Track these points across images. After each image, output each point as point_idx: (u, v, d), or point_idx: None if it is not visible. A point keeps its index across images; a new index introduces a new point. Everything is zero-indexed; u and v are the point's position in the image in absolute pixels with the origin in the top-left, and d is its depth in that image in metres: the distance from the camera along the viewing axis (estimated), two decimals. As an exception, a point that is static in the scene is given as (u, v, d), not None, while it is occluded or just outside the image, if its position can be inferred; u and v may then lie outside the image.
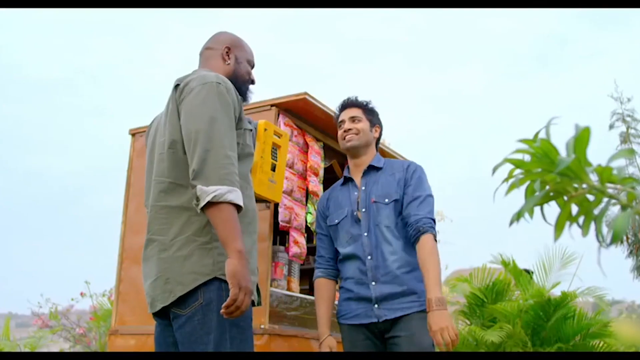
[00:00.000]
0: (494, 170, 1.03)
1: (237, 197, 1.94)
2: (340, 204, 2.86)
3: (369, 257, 2.69)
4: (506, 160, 1.02)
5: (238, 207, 1.96)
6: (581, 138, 0.86)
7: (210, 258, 2.01)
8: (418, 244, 2.60)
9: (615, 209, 0.92)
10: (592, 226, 0.94)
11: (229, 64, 2.39)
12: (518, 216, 0.92)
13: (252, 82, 2.47)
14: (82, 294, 6.43)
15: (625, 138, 8.15)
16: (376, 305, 2.65)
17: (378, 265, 2.67)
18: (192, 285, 1.99)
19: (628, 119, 8.13)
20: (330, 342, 2.73)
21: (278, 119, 3.34)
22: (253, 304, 2.10)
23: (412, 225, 2.63)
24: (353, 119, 2.86)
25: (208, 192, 1.91)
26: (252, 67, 2.50)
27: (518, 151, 0.94)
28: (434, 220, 2.67)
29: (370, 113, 2.92)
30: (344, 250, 2.79)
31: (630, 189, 0.90)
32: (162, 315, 2.12)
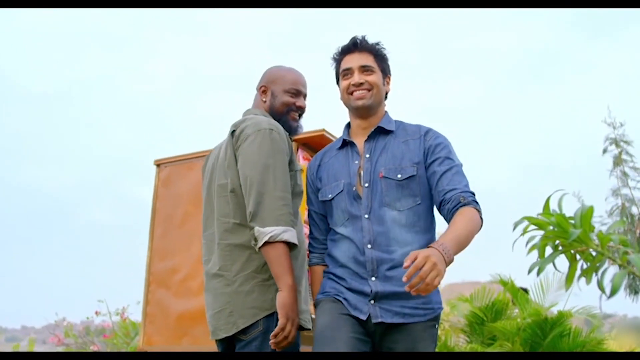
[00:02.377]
0: (515, 226, 1.32)
1: (291, 236, 2.18)
2: (335, 174, 2.34)
3: (369, 246, 2.16)
4: (524, 218, 1.30)
5: (292, 245, 2.20)
6: (586, 214, 1.13)
7: (269, 294, 2.23)
8: (456, 213, 2.08)
9: (613, 267, 1.19)
10: (594, 278, 1.21)
11: (265, 101, 2.56)
12: (539, 271, 1.20)
13: (296, 110, 2.52)
14: (97, 313, 6.64)
15: (617, 161, 8.47)
16: (372, 301, 2.14)
17: (381, 258, 2.15)
18: (253, 319, 2.21)
19: (621, 143, 8.44)
20: None
21: (297, 152, 3.60)
22: (302, 328, 2.29)
23: (451, 199, 2.11)
24: (365, 69, 2.34)
25: (265, 232, 2.15)
26: (295, 94, 2.51)
27: (537, 221, 1.22)
28: (474, 195, 2.15)
29: (382, 60, 2.40)
30: (336, 232, 2.30)
31: (623, 252, 1.17)
32: (224, 340, 2.33)
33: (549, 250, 1.27)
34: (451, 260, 1.88)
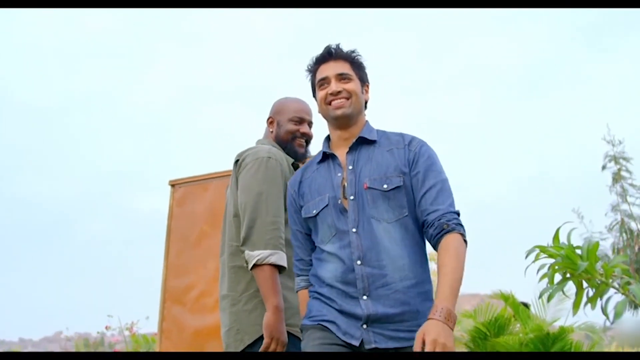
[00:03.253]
0: (527, 254, 1.47)
1: (278, 258, 2.36)
2: (318, 188, 2.22)
3: (358, 262, 2.03)
4: (536, 247, 1.45)
5: (281, 267, 2.37)
6: (592, 249, 1.28)
7: None
8: (441, 244, 2.01)
9: (616, 295, 1.33)
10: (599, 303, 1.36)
11: (272, 131, 2.74)
12: (550, 297, 1.34)
13: (301, 137, 2.65)
14: (107, 328, 6.76)
15: (616, 177, 8.63)
16: (365, 326, 2.00)
17: (372, 274, 2.02)
18: (257, 335, 2.39)
19: (621, 161, 8.62)
20: None
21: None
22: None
23: (433, 224, 2.04)
24: (342, 77, 2.23)
25: (253, 256, 2.34)
26: (299, 122, 2.64)
27: (549, 253, 1.36)
28: (458, 214, 2.08)
29: (359, 68, 2.30)
30: (324, 249, 2.15)
31: (625, 282, 1.31)
32: None
33: (557, 277, 1.41)
34: (455, 319, 1.84)
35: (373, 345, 1.97)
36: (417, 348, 1.75)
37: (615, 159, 8.46)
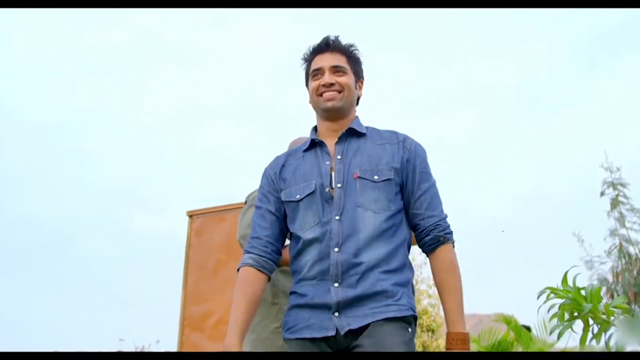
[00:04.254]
0: (539, 294, 1.67)
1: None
2: (304, 175, 2.15)
3: (336, 249, 1.98)
4: (547, 288, 1.65)
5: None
6: (596, 292, 1.48)
7: (279, 341, 2.62)
8: (434, 255, 2.05)
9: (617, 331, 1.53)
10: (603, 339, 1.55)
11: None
12: (559, 335, 1.54)
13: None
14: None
15: (614, 202, 8.86)
16: (336, 314, 1.95)
17: (348, 262, 1.97)
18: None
19: (619, 186, 8.87)
20: None
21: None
22: None
23: (429, 232, 2.06)
24: (336, 70, 2.20)
25: None
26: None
27: (559, 295, 1.56)
28: (448, 224, 2.11)
29: (355, 63, 2.27)
30: (302, 237, 2.07)
31: (625, 319, 1.51)
32: None
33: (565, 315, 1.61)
34: (469, 339, 1.92)
35: (346, 329, 1.91)
36: None
37: (613, 185, 8.71)
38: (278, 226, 2.17)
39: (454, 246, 2.07)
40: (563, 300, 1.60)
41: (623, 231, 8.75)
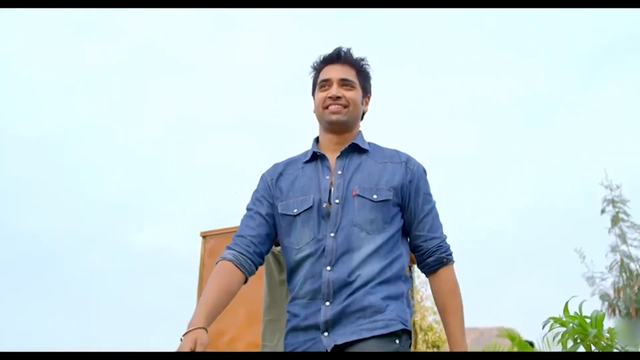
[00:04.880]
0: (544, 325, 1.82)
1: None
2: (302, 187, 2.11)
3: (328, 268, 1.94)
4: (551, 318, 1.80)
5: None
6: (600, 318, 1.62)
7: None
8: (436, 276, 2.06)
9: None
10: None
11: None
12: None
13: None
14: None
15: (615, 219, 9.02)
16: (325, 333, 1.90)
17: (341, 281, 1.93)
18: None
19: (619, 204, 9.02)
20: (198, 336, 1.78)
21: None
22: None
23: (430, 253, 2.06)
24: (344, 83, 2.16)
25: None
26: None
27: (561, 322, 1.70)
28: (448, 245, 2.12)
29: (365, 77, 2.24)
30: (297, 254, 2.04)
31: (627, 344, 1.65)
32: None
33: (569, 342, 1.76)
34: None
35: (333, 344, 1.87)
36: None
37: (613, 202, 8.87)
38: (265, 230, 2.10)
39: (453, 264, 2.08)
40: (566, 328, 1.74)
41: (624, 247, 8.92)
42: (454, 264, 2.09)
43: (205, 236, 4.79)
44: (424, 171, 2.16)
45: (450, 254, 2.08)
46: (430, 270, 2.07)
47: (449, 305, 2.01)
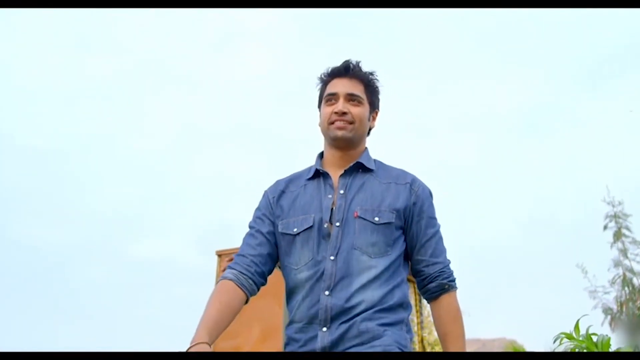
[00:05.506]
0: (555, 339, 1.97)
1: None
2: (303, 206, 2.06)
3: (327, 292, 1.89)
4: (561, 333, 1.95)
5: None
6: (606, 343, 1.77)
7: None
8: (437, 303, 2.00)
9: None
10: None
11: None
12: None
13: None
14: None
15: (617, 235, 9.16)
16: None
17: (339, 308, 1.88)
18: None
19: (620, 220, 9.17)
20: (202, 350, 1.72)
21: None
22: None
23: (432, 279, 2.00)
24: (352, 98, 2.10)
25: None
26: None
27: (569, 339, 1.85)
28: (451, 271, 2.06)
29: (373, 93, 2.17)
30: (295, 274, 1.99)
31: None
32: None
33: None
34: None
35: None
36: None
37: (615, 217, 9.00)
38: (267, 249, 2.05)
39: (456, 291, 2.03)
40: (574, 345, 1.89)
41: (626, 262, 9.04)
42: (456, 291, 2.03)
43: (220, 255, 4.94)
44: (430, 194, 2.10)
45: (453, 280, 2.02)
46: (431, 296, 2.01)
47: (449, 333, 1.96)
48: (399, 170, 2.14)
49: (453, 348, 1.92)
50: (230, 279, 1.96)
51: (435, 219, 2.07)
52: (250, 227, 2.11)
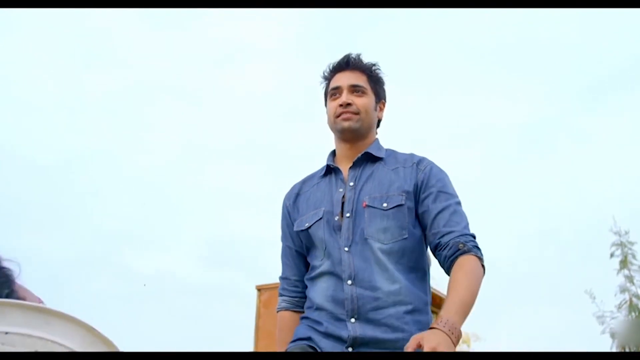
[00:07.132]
0: None
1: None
2: (315, 202, 2.06)
3: (349, 282, 1.86)
4: None
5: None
6: None
7: None
8: (455, 264, 1.81)
9: None
10: None
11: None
12: None
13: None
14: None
15: (623, 263, 9.46)
16: (350, 349, 1.82)
17: (363, 296, 1.84)
18: None
19: (626, 249, 9.47)
20: None
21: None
22: None
23: (447, 244, 1.85)
24: (355, 89, 2.07)
25: None
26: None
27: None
28: (474, 237, 1.89)
29: (377, 82, 2.14)
30: (316, 266, 1.99)
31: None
32: None
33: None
34: (459, 336, 1.62)
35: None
36: (409, 349, 1.55)
37: (622, 245, 9.30)
38: (302, 262, 2.08)
39: (481, 263, 1.82)
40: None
41: (632, 287, 9.32)
42: (479, 257, 1.82)
43: (260, 289, 5.32)
44: (440, 171, 2.02)
45: (473, 244, 1.84)
46: (448, 263, 1.83)
47: (458, 283, 1.75)
48: (407, 154, 2.10)
49: (453, 293, 1.73)
50: (287, 308, 2.08)
51: (448, 193, 1.96)
52: (281, 241, 2.17)
